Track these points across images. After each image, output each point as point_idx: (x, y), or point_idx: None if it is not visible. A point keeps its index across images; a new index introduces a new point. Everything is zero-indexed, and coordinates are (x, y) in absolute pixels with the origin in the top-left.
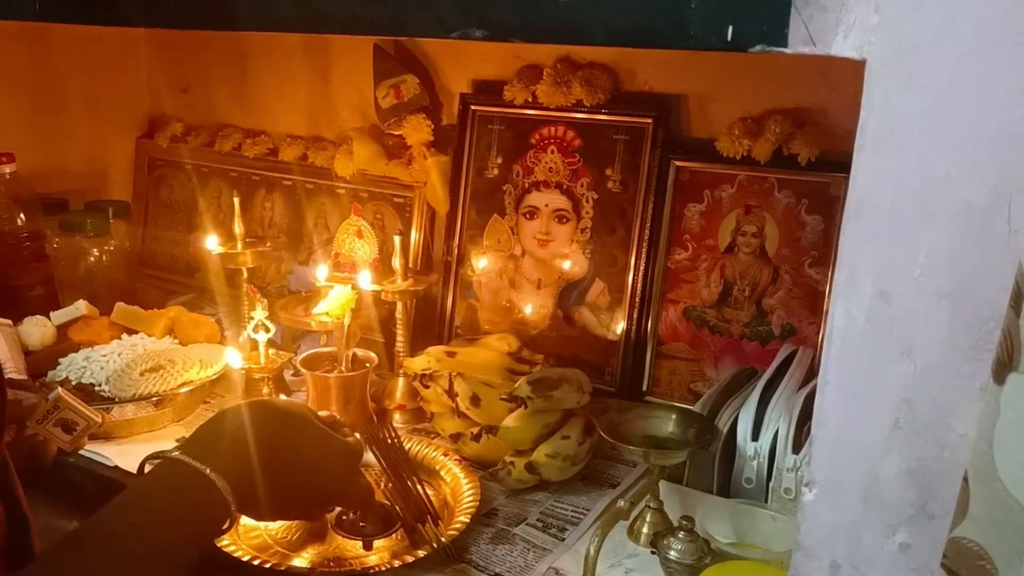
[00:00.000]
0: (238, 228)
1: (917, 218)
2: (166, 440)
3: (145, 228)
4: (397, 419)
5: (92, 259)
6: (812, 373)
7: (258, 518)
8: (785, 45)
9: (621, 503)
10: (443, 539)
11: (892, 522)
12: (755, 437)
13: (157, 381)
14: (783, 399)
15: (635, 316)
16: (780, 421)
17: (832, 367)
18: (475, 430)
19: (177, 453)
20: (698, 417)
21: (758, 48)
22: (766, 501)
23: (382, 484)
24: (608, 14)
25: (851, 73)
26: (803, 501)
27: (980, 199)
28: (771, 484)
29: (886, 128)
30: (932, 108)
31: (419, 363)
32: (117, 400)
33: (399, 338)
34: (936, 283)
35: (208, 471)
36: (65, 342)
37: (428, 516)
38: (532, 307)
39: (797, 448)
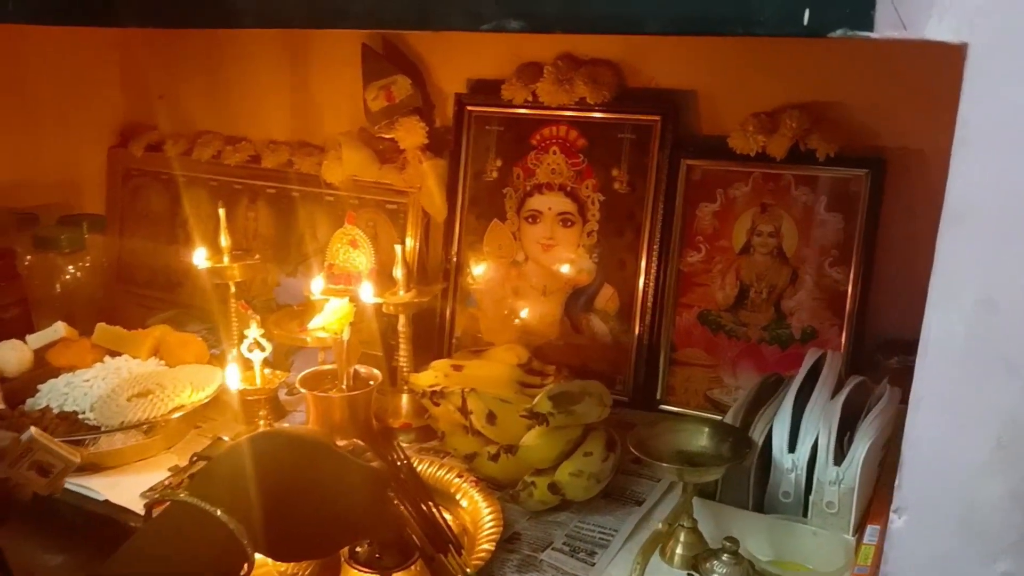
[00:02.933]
0: (224, 240)
1: None
2: (158, 470)
3: (121, 242)
4: (403, 439)
5: (68, 276)
6: (842, 379)
7: (281, 559)
8: (871, 29)
9: (660, 526)
10: (468, 570)
11: (992, 550)
12: (792, 448)
13: (147, 407)
14: (819, 407)
15: (647, 322)
16: (819, 431)
17: (926, 382)
18: (492, 450)
19: (185, 495)
20: (732, 429)
21: (839, 33)
22: (805, 516)
23: None
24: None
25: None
26: (891, 529)
27: None
28: (811, 498)
29: (993, 122)
30: None
31: (426, 379)
32: (104, 428)
33: (402, 352)
34: None
35: (219, 513)
36: (44, 367)
37: (450, 545)
38: (537, 315)
39: (839, 459)
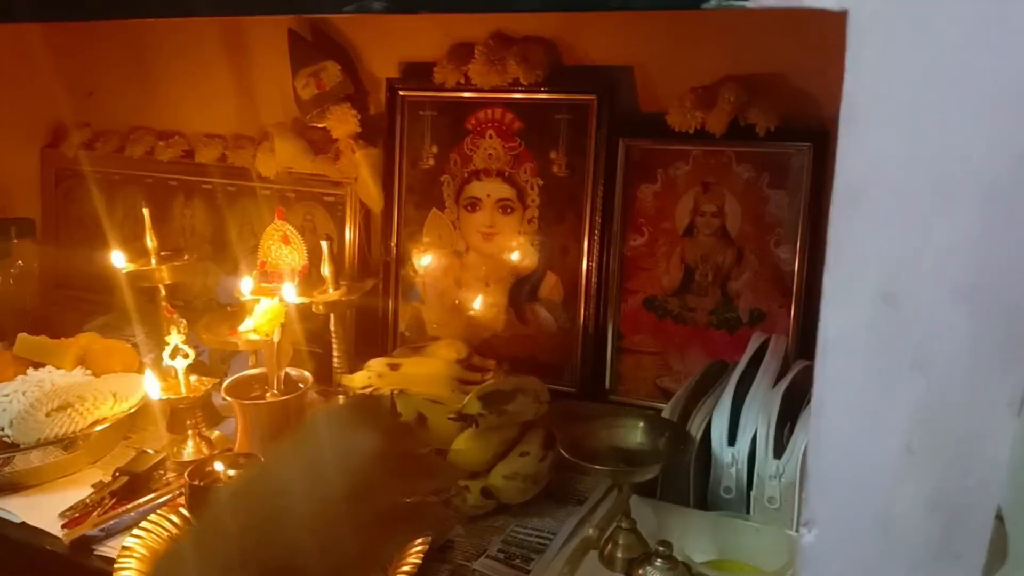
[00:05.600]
0: (150, 241)
1: (927, 202)
2: (81, 486)
3: (58, 245)
4: None
5: None
6: (787, 363)
7: None
8: None
9: (590, 531)
10: None
11: (909, 565)
12: (731, 442)
13: (64, 422)
14: (759, 397)
15: (592, 309)
16: (758, 422)
17: (827, 385)
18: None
19: None
20: (669, 423)
21: (713, 3)
22: (748, 512)
23: None
24: None
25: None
26: (802, 544)
27: (1006, 175)
28: (752, 493)
29: (881, 93)
30: (941, 65)
31: (359, 380)
32: (21, 446)
33: (335, 352)
34: (953, 280)
35: None
36: None
37: None
38: (482, 306)
39: (779, 452)
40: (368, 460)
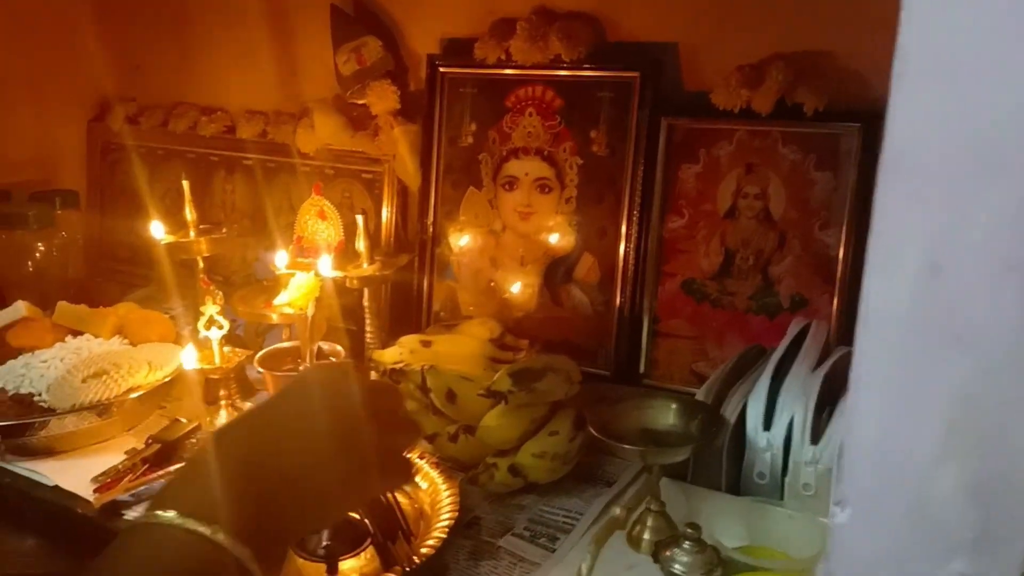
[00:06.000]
0: (190, 214)
1: (979, 169)
2: (115, 453)
3: (103, 217)
4: None
5: (39, 254)
6: (828, 349)
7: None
8: None
9: (617, 510)
10: (416, 559)
11: (947, 548)
12: (767, 426)
13: (99, 388)
14: (798, 381)
15: (629, 292)
16: (795, 407)
17: (867, 359)
18: (452, 429)
19: (172, 515)
20: (702, 406)
21: None
22: (781, 498)
23: None
24: None
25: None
26: (834, 523)
27: None
28: (787, 479)
29: (937, 52)
30: (1003, 22)
31: (390, 355)
32: (57, 411)
33: (368, 328)
34: (1003, 251)
35: (218, 536)
36: (3, 347)
37: (400, 531)
38: (517, 287)
39: (816, 438)
40: (349, 406)
